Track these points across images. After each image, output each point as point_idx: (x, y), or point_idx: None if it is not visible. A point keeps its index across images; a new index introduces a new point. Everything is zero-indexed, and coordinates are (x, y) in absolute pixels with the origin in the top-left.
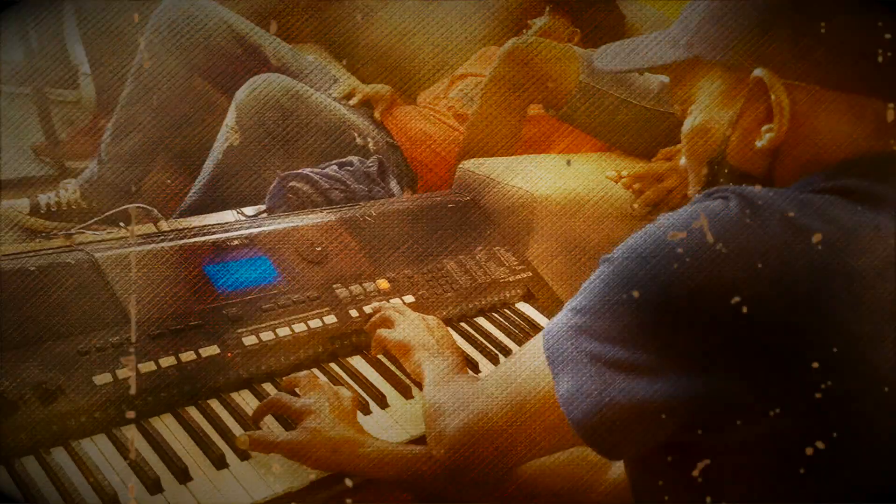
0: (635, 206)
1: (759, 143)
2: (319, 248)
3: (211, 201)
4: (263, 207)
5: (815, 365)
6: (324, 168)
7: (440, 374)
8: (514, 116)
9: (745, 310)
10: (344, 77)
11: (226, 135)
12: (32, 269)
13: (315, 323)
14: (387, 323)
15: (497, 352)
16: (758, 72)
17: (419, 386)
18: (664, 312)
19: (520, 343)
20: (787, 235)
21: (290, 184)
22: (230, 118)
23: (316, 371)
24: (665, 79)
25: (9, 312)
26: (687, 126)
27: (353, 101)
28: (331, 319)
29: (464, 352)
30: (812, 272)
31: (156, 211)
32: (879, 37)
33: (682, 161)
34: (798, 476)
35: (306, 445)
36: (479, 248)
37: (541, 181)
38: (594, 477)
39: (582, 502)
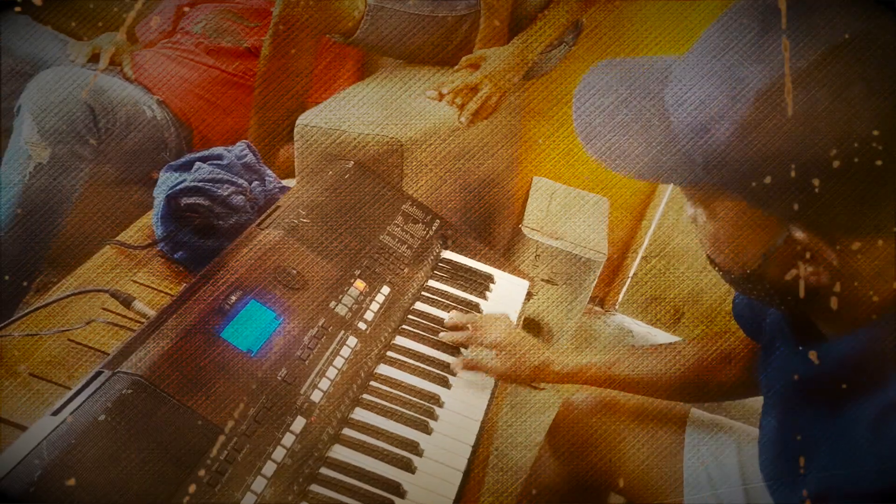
0: (461, 119)
1: (799, 274)
2: (295, 272)
3: (30, 241)
4: (158, 233)
5: None
6: (195, 170)
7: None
8: (308, 55)
9: None
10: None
11: (28, 154)
12: (102, 418)
13: (345, 351)
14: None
15: (467, 309)
16: (799, 234)
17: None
18: None
19: (474, 293)
20: None
21: (185, 202)
22: (29, 132)
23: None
24: None
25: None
26: (702, 224)
27: (102, 65)
28: (353, 342)
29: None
30: None
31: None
32: None
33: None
34: None
35: (512, 373)
36: (393, 211)
37: (386, 121)
38: None
39: None
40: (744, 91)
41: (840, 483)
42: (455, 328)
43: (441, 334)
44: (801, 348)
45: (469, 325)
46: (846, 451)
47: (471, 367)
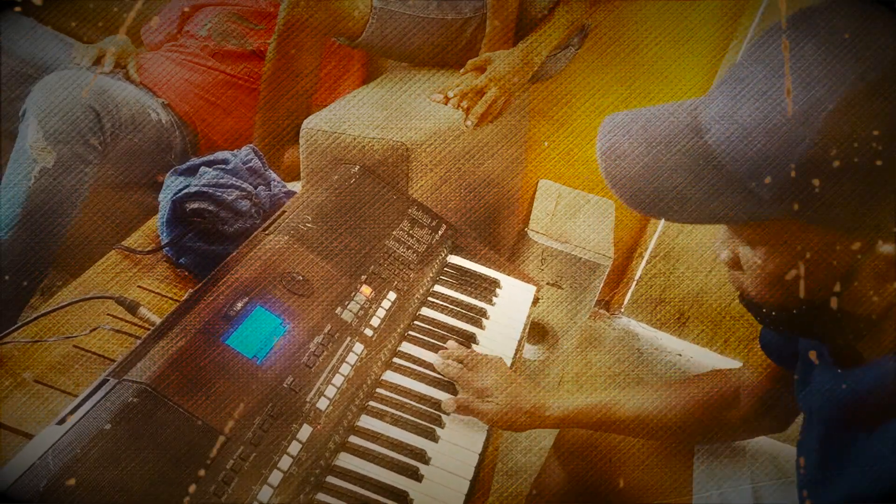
0: (468, 123)
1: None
2: (301, 278)
3: (35, 244)
4: (164, 238)
5: None
6: (200, 174)
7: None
8: (311, 55)
9: None
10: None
11: (33, 157)
12: (108, 427)
13: (352, 358)
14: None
15: (474, 314)
16: (887, 248)
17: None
18: None
19: (480, 298)
20: None
21: (190, 206)
22: (34, 135)
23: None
24: None
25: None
26: (757, 263)
27: (107, 67)
28: (359, 349)
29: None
30: None
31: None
32: None
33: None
34: None
35: (504, 417)
36: (399, 215)
37: (391, 124)
38: None
39: None
40: (810, 117)
41: (874, 499)
42: (450, 358)
43: (439, 353)
44: (839, 371)
45: (463, 361)
46: (883, 469)
47: (463, 409)
